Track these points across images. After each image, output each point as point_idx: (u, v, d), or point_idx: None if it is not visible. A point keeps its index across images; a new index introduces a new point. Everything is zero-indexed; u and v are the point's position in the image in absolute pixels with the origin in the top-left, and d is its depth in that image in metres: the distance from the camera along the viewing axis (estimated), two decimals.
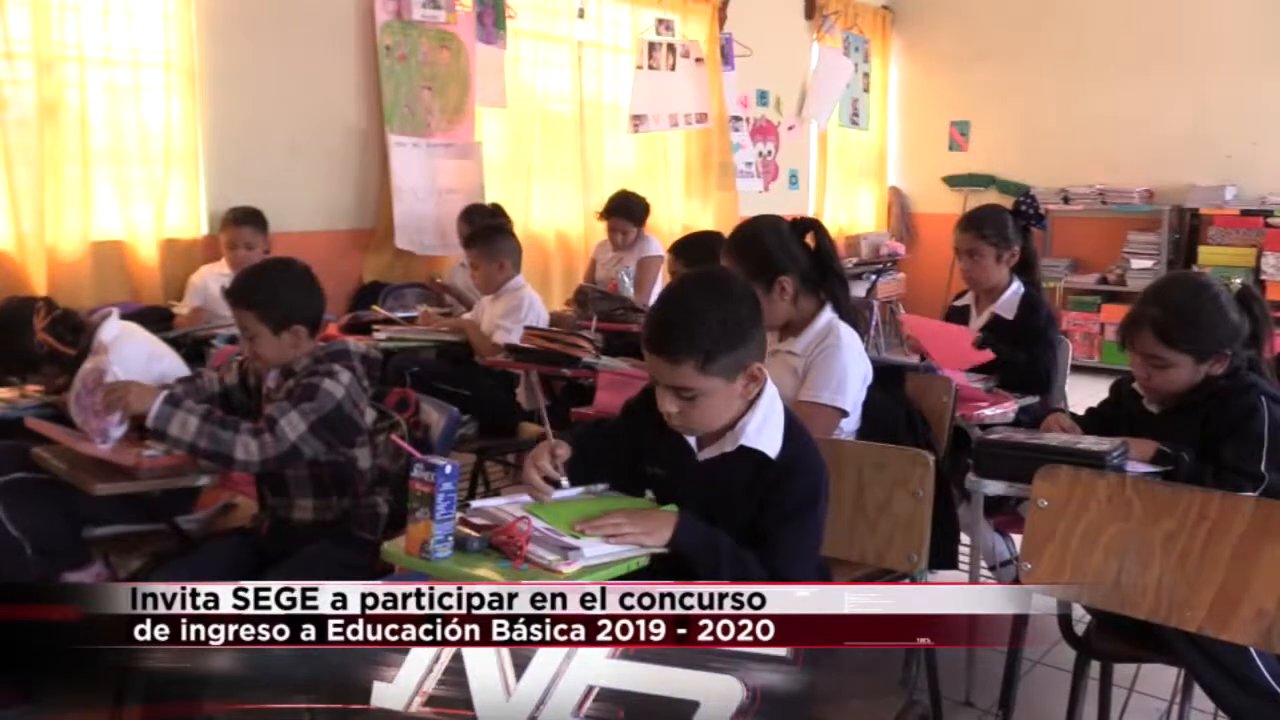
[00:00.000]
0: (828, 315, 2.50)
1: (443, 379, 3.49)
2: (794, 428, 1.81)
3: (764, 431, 1.77)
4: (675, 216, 6.76)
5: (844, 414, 2.42)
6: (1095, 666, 2.14)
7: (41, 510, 2.53)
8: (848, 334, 2.48)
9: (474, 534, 1.65)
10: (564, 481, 1.75)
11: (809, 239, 2.55)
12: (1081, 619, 2.12)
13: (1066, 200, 7.50)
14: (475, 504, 1.75)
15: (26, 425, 2.63)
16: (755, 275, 2.44)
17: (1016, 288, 3.34)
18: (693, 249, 3.52)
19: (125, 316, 3.04)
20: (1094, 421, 2.47)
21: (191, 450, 2.24)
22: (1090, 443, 2.18)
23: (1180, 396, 2.29)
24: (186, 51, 4.44)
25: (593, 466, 1.85)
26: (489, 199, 5.48)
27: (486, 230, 4.19)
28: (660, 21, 6.54)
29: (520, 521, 1.63)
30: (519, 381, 3.91)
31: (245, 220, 4.33)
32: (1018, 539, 2.96)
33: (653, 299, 4.95)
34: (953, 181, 8.34)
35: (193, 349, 3.56)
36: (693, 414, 1.74)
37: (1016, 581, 2.09)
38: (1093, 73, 7.52)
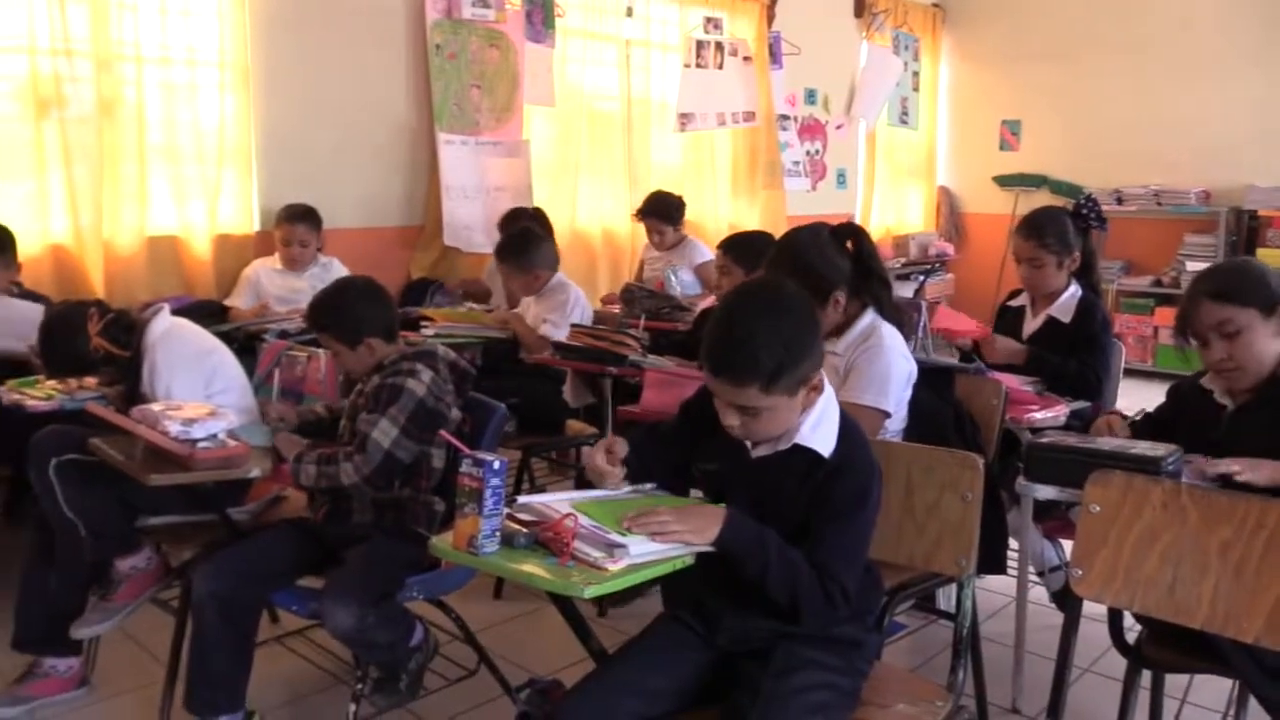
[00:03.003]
0: (870, 316, 2.50)
1: (489, 375, 3.50)
2: (849, 428, 1.81)
3: (818, 431, 1.77)
4: (722, 216, 6.75)
5: (887, 415, 2.41)
6: (1146, 676, 2.10)
7: (95, 494, 2.60)
8: (890, 334, 2.47)
9: (521, 530, 1.65)
10: (619, 472, 1.77)
11: (848, 244, 2.54)
12: (1132, 627, 2.09)
13: (1120, 201, 7.38)
14: (522, 499, 1.76)
15: (87, 411, 2.69)
16: (811, 293, 2.42)
17: (1074, 290, 3.29)
18: (742, 247, 3.50)
19: (180, 311, 3.09)
20: (1150, 427, 2.42)
21: (320, 490, 2.50)
22: (1145, 448, 2.13)
23: (1257, 390, 2.21)
24: (241, 50, 4.51)
25: (647, 465, 1.86)
26: (536, 197, 5.52)
27: (514, 243, 4.10)
28: (708, 20, 6.53)
29: (567, 518, 1.63)
30: (565, 379, 3.93)
31: (301, 218, 4.40)
32: (1067, 545, 2.94)
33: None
34: (1003, 181, 8.24)
35: (245, 343, 3.61)
36: (755, 427, 1.75)
37: (1066, 588, 2.05)
38: (1148, 71, 7.40)
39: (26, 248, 3.85)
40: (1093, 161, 7.66)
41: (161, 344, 2.79)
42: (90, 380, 2.95)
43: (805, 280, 2.43)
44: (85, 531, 2.59)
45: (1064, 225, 3.28)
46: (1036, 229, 3.29)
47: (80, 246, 4.12)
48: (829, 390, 1.81)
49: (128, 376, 2.82)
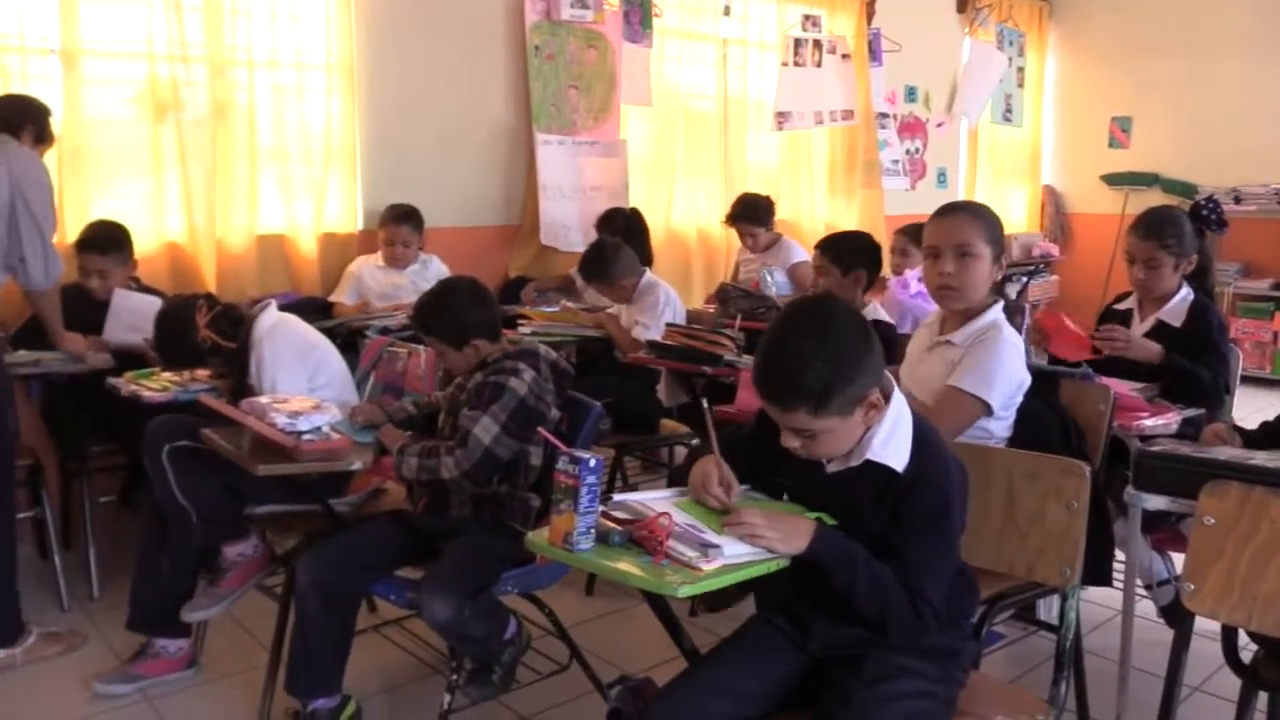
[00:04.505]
0: (996, 313, 2.44)
1: (584, 374, 3.53)
2: (923, 440, 1.76)
3: (890, 445, 1.72)
4: (819, 216, 6.68)
5: (987, 408, 2.34)
6: (1262, 698, 2.01)
7: (205, 481, 2.70)
8: (1011, 334, 2.41)
9: (616, 527, 1.66)
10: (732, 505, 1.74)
11: None
12: (1247, 646, 2.01)
13: (1238, 200, 7.08)
14: (617, 498, 1.76)
15: (199, 402, 2.80)
16: (993, 242, 2.41)
17: (1186, 294, 3.17)
18: (839, 247, 3.47)
19: (286, 307, 3.19)
20: (1267, 436, 2.31)
21: (419, 482, 2.56)
22: (1264, 458, 2.03)
23: None
24: (346, 53, 4.63)
25: (734, 471, 1.84)
26: (632, 197, 5.54)
27: (594, 261, 4.16)
28: (807, 17, 6.47)
29: (661, 517, 1.63)
30: (659, 378, 3.93)
31: (405, 219, 4.50)
32: (1176, 558, 2.83)
33: None
34: (1112, 180, 7.97)
35: (347, 339, 3.70)
36: (815, 448, 1.72)
37: (1176, 602, 1.98)
38: (1267, 63, 7.08)
39: (144, 245, 4.02)
40: (1208, 159, 7.37)
41: (268, 339, 2.88)
42: (202, 372, 3.06)
43: (998, 231, 2.44)
44: (196, 517, 2.69)
45: (1184, 226, 3.16)
46: (1155, 228, 3.16)
47: (194, 244, 4.27)
48: (899, 400, 1.76)
49: (235, 369, 2.92)
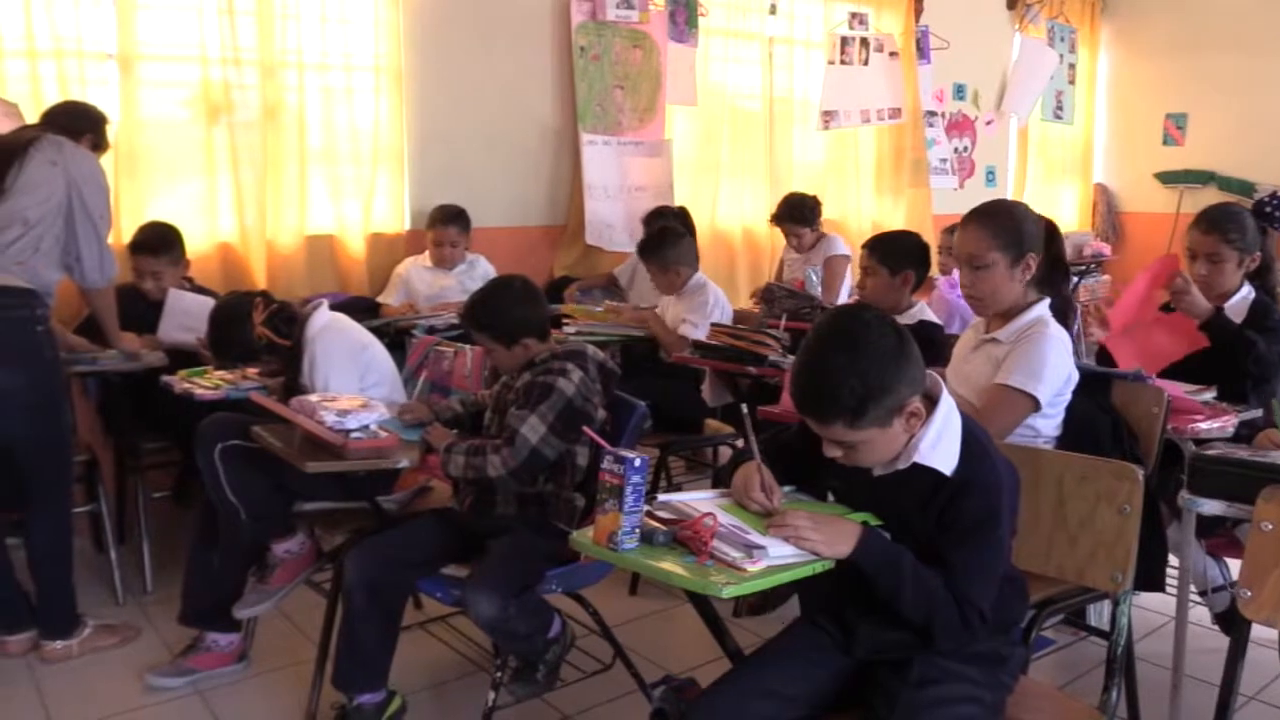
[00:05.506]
0: (1041, 309, 2.42)
1: (627, 374, 3.54)
2: (972, 443, 1.73)
3: (938, 449, 1.69)
4: (865, 215, 6.63)
5: (1036, 403, 2.31)
6: None
7: (255, 478, 2.74)
8: (1057, 329, 2.39)
9: (660, 527, 1.66)
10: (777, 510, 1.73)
11: None
12: None
13: None
14: (662, 498, 1.76)
15: (251, 400, 2.84)
16: (1008, 247, 2.38)
17: (1246, 292, 3.11)
18: (887, 247, 3.44)
19: (334, 306, 3.22)
20: None
21: (466, 479, 2.56)
22: None
23: None
24: (394, 55, 4.68)
25: (779, 473, 1.83)
26: (678, 197, 5.53)
27: (654, 240, 4.18)
28: (854, 15, 6.43)
29: (706, 517, 1.63)
30: (704, 378, 3.92)
31: (453, 219, 4.54)
32: (1232, 563, 2.77)
33: (842, 298, 4.91)
34: (1166, 178, 7.82)
35: (395, 338, 3.74)
36: (855, 457, 1.71)
37: (1232, 609, 1.94)
38: None
39: (196, 246, 4.09)
40: (1266, 156, 7.19)
41: (321, 338, 2.92)
42: (253, 370, 3.10)
43: (1013, 232, 2.39)
44: (245, 514, 2.73)
45: (1246, 221, 3.11)
46: (1218, 223, 3.11)
47: (245, 245, 4.34)
48: (948, 403, 1.73)
49: (288, 367, 2.96)
